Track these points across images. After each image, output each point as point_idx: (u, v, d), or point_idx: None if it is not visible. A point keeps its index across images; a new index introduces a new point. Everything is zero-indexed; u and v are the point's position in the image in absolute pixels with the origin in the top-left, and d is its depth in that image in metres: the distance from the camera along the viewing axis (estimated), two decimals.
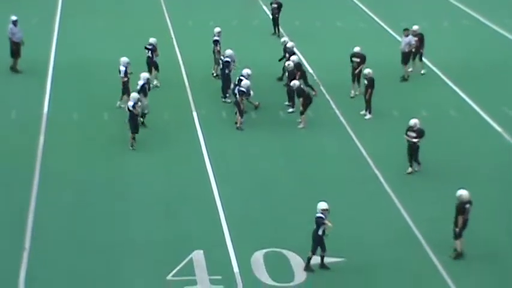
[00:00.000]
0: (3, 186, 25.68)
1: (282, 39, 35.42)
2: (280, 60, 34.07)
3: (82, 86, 33.73)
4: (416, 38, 35.05)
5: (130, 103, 27.97)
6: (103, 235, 23.25)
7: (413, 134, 26.48)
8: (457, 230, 22.16)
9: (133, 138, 28.12)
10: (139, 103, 28.18)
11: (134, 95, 28.47)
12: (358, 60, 32.72)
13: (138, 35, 39.60)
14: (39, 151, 27.98)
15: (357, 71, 32.69)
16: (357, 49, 32.93)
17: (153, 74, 33.31)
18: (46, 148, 28.22)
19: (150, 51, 33.42)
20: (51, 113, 30.92)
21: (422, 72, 35.79)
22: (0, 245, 22.55)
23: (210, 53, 34.61)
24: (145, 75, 30.25)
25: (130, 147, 28.09)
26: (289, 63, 32.09)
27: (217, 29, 34.45)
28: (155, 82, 33.36)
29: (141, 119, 29.17)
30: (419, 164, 26.73)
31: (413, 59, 35.57)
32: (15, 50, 34.47)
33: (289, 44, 33.87)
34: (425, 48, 35.50)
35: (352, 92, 32.99)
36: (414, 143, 26.47)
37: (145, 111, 29.53)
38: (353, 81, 32.99)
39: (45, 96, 32.45)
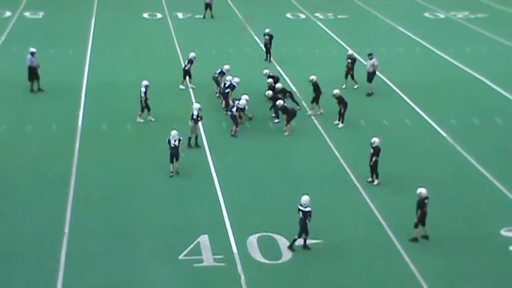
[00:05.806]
0: (47, 184, 25.57)
1: (264, 71, 34.39)
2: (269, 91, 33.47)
3: (109, 102, 33.58)
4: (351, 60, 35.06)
5: (177, 140, 25.94)
6: (126, 222, 23.15)
7: (371, 151, 25.73)
8: (416, 221, 22.06)
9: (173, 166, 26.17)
10: (181, 140, 26.27)
11: (174, 132, 26.14)
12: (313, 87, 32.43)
13: (155, 61, 39.70)
14: (75, 155, 27.86)
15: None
16: (311, 77, 32.43)
17: (187, 80, 34.85)
18: (81, 153, 28.08)
19: (188, 62, 34.76)
20: (85, 125, 30.79)
21: (355, 87, 35.42)
22: (45, 231, 22.49)
23: (212, 75, 34.31)
24: (197, 105, 28.91)
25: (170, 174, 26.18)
26: (269, 92, 31.89)
27: (226, 67, 33.59)
28: (190, 85, 34.87)
29: (193, 142, 28.51)
30: (377, 177, 25.83)
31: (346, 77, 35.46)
32: (33, 74, 34.38)
33: (266, 72, 33.89)
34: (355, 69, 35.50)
35: (321, 110, 32.53)
36: (370, 159, 25.84)
37: (194, 135, 28.68)
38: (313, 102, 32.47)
39: (79, 111, 32.29)
